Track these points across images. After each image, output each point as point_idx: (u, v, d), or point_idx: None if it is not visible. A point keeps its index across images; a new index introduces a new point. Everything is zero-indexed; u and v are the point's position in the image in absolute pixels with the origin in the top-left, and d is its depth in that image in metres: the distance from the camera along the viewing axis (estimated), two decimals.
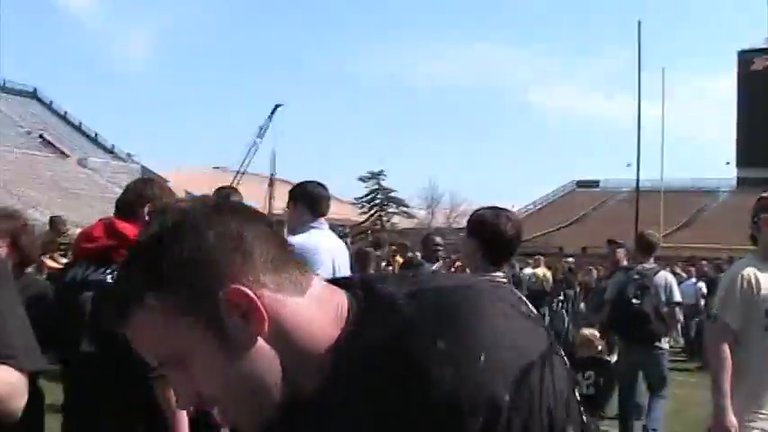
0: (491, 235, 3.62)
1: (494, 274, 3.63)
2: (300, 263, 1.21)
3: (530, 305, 1.24)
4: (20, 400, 2.07)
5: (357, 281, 1.26)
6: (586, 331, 8.08)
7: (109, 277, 3.27)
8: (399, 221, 75.90)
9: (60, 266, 10.67)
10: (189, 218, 1.16)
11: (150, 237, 1.17)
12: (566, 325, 8.75)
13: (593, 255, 33.09)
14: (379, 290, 1.21)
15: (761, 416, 3.86)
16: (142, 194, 3.51)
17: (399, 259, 10.21)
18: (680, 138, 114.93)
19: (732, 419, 3.83)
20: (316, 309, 1.18)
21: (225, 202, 1.24)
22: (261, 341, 1.14)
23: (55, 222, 12.45)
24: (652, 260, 7.78)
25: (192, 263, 1.12)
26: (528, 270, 18.38)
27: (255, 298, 1.12)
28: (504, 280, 3.68)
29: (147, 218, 3.46)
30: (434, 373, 1.09)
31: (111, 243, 3.33)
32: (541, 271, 18.16)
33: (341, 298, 1.21)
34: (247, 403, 1.17)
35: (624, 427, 7.48)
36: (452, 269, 3.43)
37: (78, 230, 12.32)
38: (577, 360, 7.83)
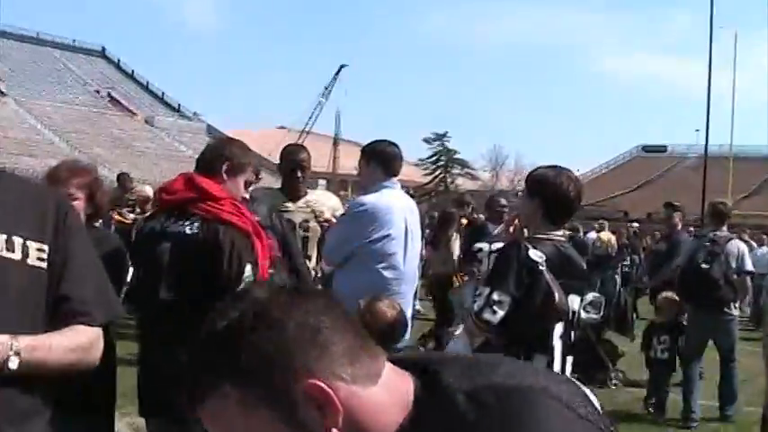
0: (552, 194, 3.53)
1: (554, 233, 3.58)
2: (374, 348, 1.21)
3: (592, 400, 1.24)
4: (94, 353, 2.10)
5: (421, 363, 1.26)
6: (667, 295, 8.06)
7: (187, 229, 3.40)
8: (463, 183, 75.63)
9: (128, 221, 10.88)
10: (270, 309, 1.16)
11: (231, 326, 1.16)
12: (617, 288, 8.71)
13: (659, 221, 32.54)
14: (440, 381, 1.21)
15: None
16: (222, 153, 3.62)
17: (463, 221, 10.14)
18: (750, 104, 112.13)
19: None
20: (386, 398, 1.18)
21: (303, 289, 1.25)
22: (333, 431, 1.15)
23: (122, 179, 12.68)
24: (725, 228, 7.71)
25: (271, 357, 1.13)
26: (592, 234, 18.20)
27: (332, 394, 1.12)
28: (563, 238, 3.63)
29: (225, 176, 3.56)
30: None
31: (191, 196, 3.45)
32: (606, 235, 17.95)
33: (408, 385, 1.22)
34: None
35: (687, 389, 7.41)
36: (511, 229, 3.37)
37: (146, 187, 12.52)
38: (653, 324, 7.97)
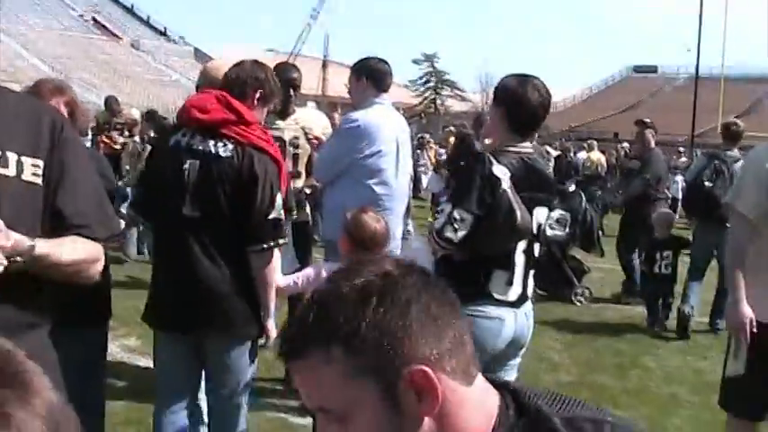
0: (516, 103, 3.43)
1: (520, 145, 3.49)
2: (472, 352, 1.21)
3: None
4: (97, 266, 2.11)
5: (504, 385, 1.27)
6: (663, 212, 8.36)
7: (221, 150, 3.37)
8: (453, 105, 75.19)
9: (117, 146, 10.83)
10: (400, 288, 1.15)
11: (359, 292, 1.15)
12: (583, 205, 8.80)
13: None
14: (531, 404, 1.23)
15: None
16: (257, 77, 3.57)
17: (452, 140, 10.11)
18: (743, 24, 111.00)
19: (744, 311, 3.80)
20: (477, 403, 1.20)
21: (428, 273, 1.23)
22: (426, 420, 1.15)
23: (110, 102, 12.58)
24: (737, 150, 7.84)
25: (391, 335, 1.12)
26: (582, 154, 18.19)
27: (437, 384, 1.13)
28: (530, 150, 3.54)
29: (255, 102, 3.53)
30: None
31: (226, 117, 3.41)
32: (595, 155, 17.98)
33: (493, 397, 1.24)
34: None
35: (686, 302, 7.69)
36: (486, 141, 3.32)
37: (134, 110, 12.46)
38: (656, 240, 8.21)
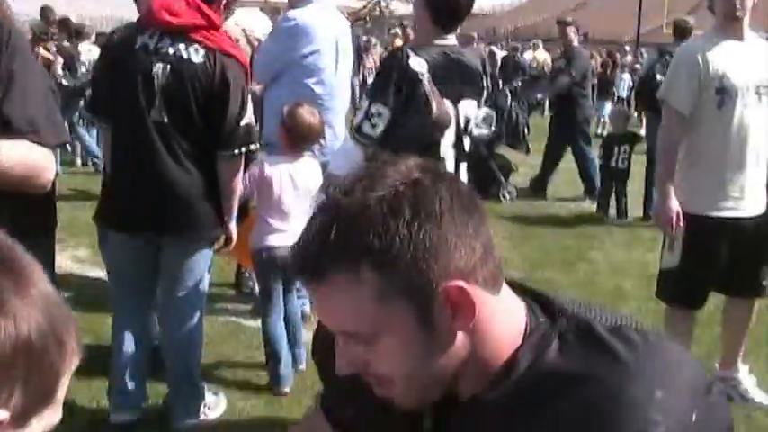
0: None
1: (444, 39, 3.42)
2: (499, 259, 1.14)
3: None
4: (49, 174, 2.07)
5: (531, 292, 1.21)
6: (620, 108, 8.67)
7: (193, 56, 3.33)
8: (398, 8, 74.06)
9: (50, 56, 10.53)
10: (431, 198, 1.05)
11: (386, 203, 1.03)
12: (508, 102, 8.91)
13: (597, 41, 32.60)
14: (567, 311, 1.16)
15: (719, 197, 3.91)
16: None
17: (397, 41, 10.01)
18: None
19: (671, 205, 3.88)
20: (507, 311, 1.14)
21: (454, 178, 1.14)
22: (460, 335, 1.10)
23: (45, 12, 12.19)
24: None
25: (424, 250, 1.03)
26: (528, 55, 18.15)
27: (473, 297, 1.07)
28: (454, 43, 3.47)
29: (221, 9, 3.48)
30: (651, 420, 1.05)
31: (197, 21, 3.35)
32: (541, 55, 17.98)
33: (520, 304, 1.17)
34: (421, 390, 1.14)
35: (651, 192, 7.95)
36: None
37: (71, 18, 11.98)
38: (613, 135, 8.72)
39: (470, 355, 1.11)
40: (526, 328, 1.14)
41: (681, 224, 3.85)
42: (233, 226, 3.64)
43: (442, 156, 3.38)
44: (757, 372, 4.43)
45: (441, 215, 1.04)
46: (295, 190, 4.04)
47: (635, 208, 8.51)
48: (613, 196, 8.52)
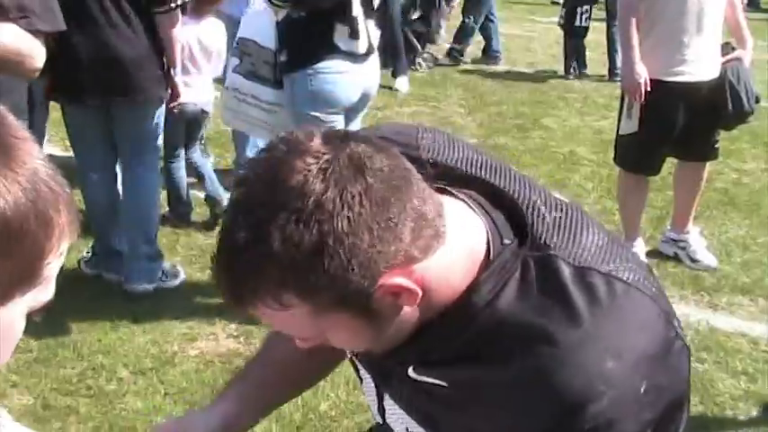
0: None
1: None
2: (438, 207, 1.02)
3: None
4: (38, 61, 2.01)
5: (508, 203, 1.10)
6: None
7: None
8: None
9: None
10: (341, 208, 0.93)
11: (287, 232, 0.92)
12: None
13: None
14: (539, 238, 1.06)
15: (676, 61, 3.91)
16: None
17: None
18: None
19: (639, 70, 3.87)
20: (455, 255, 1.04)
21: (361, 165, 0.96)
22: (405, 309, 1.03)
23: None
24: None
25: (346, 264, 0.94)
26: None
27: (407, 283, 0.99)
28: None
29: None
30: (595, 391, 1.00)
31: None
32: None
33: (479, 230, 1.06)
34: (383, 347, 1.11)
35: (614, 48, 8.05)
36: None
37: None
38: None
39: (426, 311, 1.05)
40: (488, 254, 1.05)
41: (647, 89, 3.86)
42: (179, 80, 3.80)
43: (353, 13, 3.36)
44: (707, 234, 4.54)
45: (354, 223, 0.93)
46: (201, 51, 4.32)
47: (600, 67, 8.58)
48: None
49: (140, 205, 3.84)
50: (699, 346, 3.54)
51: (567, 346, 1.00)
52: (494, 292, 1.03)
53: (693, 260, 4.28)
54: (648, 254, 4.28)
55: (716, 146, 4.21)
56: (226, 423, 1.38)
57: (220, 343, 3.44)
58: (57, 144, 5.25)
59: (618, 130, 4.17)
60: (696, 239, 4.34)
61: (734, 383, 3.34)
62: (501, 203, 1.10)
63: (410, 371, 1.12)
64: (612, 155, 4.34)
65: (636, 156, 4.10)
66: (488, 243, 1.05)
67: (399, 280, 0.98)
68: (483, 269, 1.04)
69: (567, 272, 1.03)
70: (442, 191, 1.09)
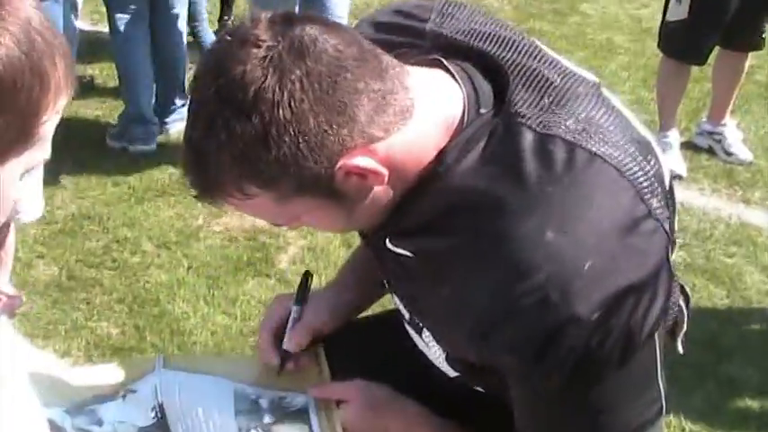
0: None
1: None
2: (399, 75, 0.99)
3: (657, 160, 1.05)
4: None
5: (493, 70, 1.06)
6: None
7: None
8: None
9: None
10: (287, 90, 0.91)
11: (236, 126, 0.92)
12: None
13: None
14: (509, 103, 1.02)
15: None
16: None
17: None
18: None
19: None
20: (426, 127, 1.01)
21: (302, 49, 0.93)
22: (375, 188, 1.01)
23: None
24: None
25: (300, 151, 0.94)
26: None
27: (369, 163, 0.97)
28: None
29: None
30: (532, 264, 0.95)
31: None
32: None
33: (455, 97, 1.03)
34: (361, 225, 1.13)
35: None
36: None
37: None
38: None
39: (399, 185, 1.03)
40: (460, 123, 1.02)
41: None
42: None
43: None
44: (743, 128, 4.42)
45: (296, 110, 0.92)
46: None
47: None
48: None
49: (170, 54, 4.01)
50: (729, 240, 3.50)
51: (509, 214, 0.97)
52: (455, 161, 1.01)
53: (728, 153, 4.18)
54: (683, 146, 4.18)
55: (762, 36, 4.05)
56: (346, 306, 1.44)
57: (245, 219, 3.42)
58: (84, 19, 5.16)
59: (665, 16, 4.00)
60: (732, 132, 4.23)
61: (762, 278, 3.31)
62: (495, 76, 1.06)
63: (387, 242, 1.12)
64: (653, 43, 4.20)
65: (683, 43, 3.94)
66: (464, 113, 1.02)
67: (361, 161, 0.96)
68: (454, 138, 1.02)
69: (528, 139, 1.00)
70: (433, 62, 1.07)
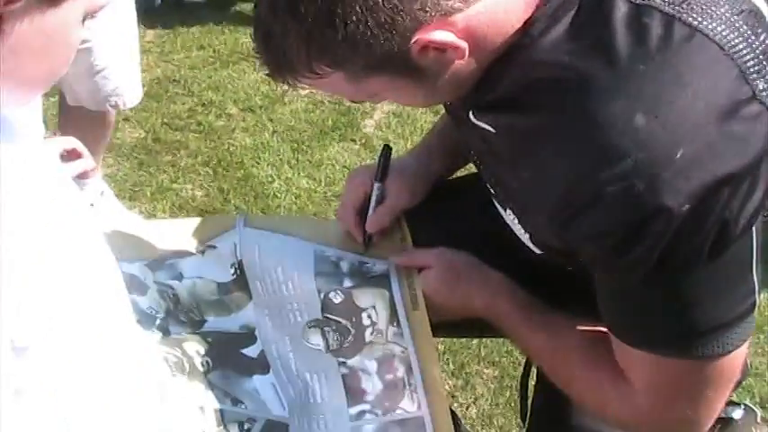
0: None
1: None
2: None
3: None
4: None
5: None
6: None
7: None
8: None
9: None
10: None
11: (297, 12, 0.89)
12: None
13: None
14: None
15: None
16: None
17: None
18: None
19: None
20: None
21: None
22: (456, 62, 0.95)
23: None
24: None
25: (362, 38, 0.89)
26: None
27: (447, 37, 0.90)
28: None
29: None
30: (618, 150, 0.86)
31: None
32: None
33: None
34: (445, 97, 1.09)
35: None
36: None
37: None
38: None
39: (483, 57, 0.96)
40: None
41: None
42: None
43: None
44: None
45: None
46: None
47: None
48: None
49: None
50: None
51: (596, 93, 0.88)
52: (541, 33, 0.92)
53: None
54: None
55: None
56: (431, 176, 1.40)
57: None
58: None
59: None
60: None
61: None
62: None
63: (470, 115, 1.05)
64: None
65: None
66: None
67: (438, 35, 0.90)
68: (541, 6, 0.93)
69: (622, 10, 0.90)
70: None
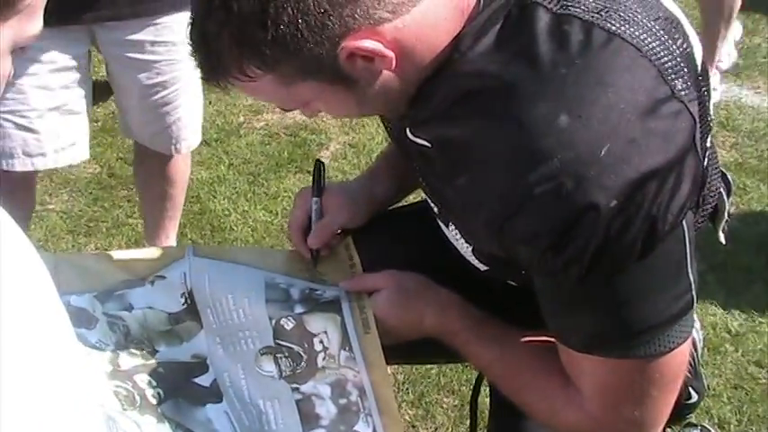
0: None
1: None
2: None
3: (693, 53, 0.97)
4: None
5: None
6: None
7: None
8: None
9: None
10: None
11: (230, 13, 0.90)
12: None
13: None
14: None
15: None
16: None
17: None
18: None
19: None
20: (440, 9, 0.95)
21: None
22: (384, 73, 0.97)
23: None
24: None
25: (292, 41, 0.90)
26: None
27: (374, 46, 0.92)
28: None
29: None
30: (544, 151, 0.89)
31: None
32: None
33: None
34: (377, 111, 1.10)
35: None
36: None
37: None
38: None
39: (413, 71, 0.98)
40: (476, 6, 0.96)
41: None
42: None
43: None
44: None
45: None
46: None
47: None
48: None
49: None
50: None
51: (521, 98, 0.92)
52: (469, 47, 0.96)
53: None
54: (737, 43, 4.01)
55: None
56: (377, 198, 1.43)
57: (286, 115, 3.37)
58: None
59: None
60: None
61: None
62: None
63: (408, 132, 1.08)
64: None
65: None
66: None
67: (365, 43, 0.92)
68: (469, 22, 0.96)
69: (543, 20, 0.94)
70: None
